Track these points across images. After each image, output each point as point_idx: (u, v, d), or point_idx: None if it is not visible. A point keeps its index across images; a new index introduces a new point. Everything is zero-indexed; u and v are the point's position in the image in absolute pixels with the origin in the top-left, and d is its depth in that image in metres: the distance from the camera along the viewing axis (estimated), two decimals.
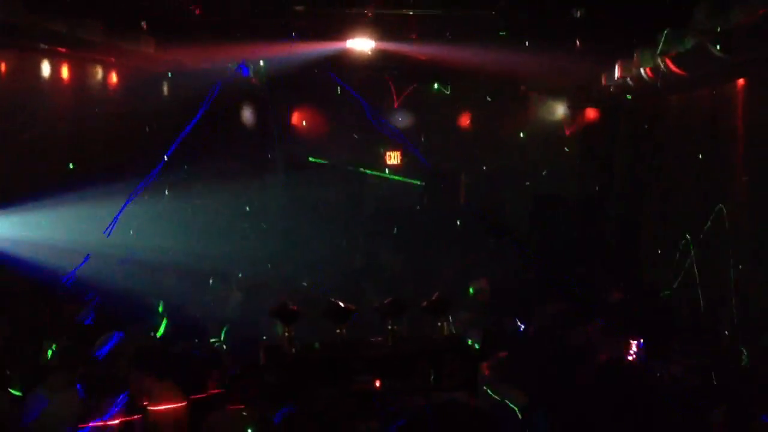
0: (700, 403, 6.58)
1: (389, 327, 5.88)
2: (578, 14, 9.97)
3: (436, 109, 15.52)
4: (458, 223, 14.97)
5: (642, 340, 8.56)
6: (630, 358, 8.46)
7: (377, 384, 5.62)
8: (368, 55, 12.99)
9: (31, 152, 10.09)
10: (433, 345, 5.97)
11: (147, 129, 12.49)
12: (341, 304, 5.89)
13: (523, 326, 9.18)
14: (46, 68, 10.50)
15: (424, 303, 6.41)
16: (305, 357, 5.79)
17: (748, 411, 6.39)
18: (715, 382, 7.26)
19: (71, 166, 11.02)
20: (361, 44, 12.46)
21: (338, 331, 5.75)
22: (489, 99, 15.22)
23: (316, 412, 5.50)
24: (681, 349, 7.85)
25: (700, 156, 9.90)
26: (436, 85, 15.38)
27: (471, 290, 10.49)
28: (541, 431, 6.60)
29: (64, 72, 10.89)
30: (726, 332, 8.91)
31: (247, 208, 15.03)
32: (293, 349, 5.68)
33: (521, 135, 15.60)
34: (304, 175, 15.43)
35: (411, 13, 10.85)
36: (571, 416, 6.77)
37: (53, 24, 9.81)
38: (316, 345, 6.19)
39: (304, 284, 11.41)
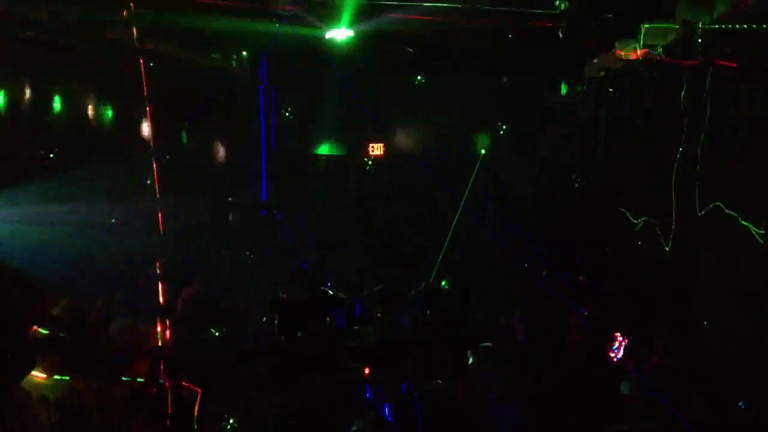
0: (680, 390, 6.68)
1: (378, 315, 5.91)
2: (561, 6, 10.02)
3: (419, 99, 15.53)
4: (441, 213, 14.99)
5: (623, 331, 8.64)
6: (612, 348, 8.54)
7: (366, 372, 5.65)
8: (352, 45, 12.96)
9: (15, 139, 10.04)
10: (422, 333, 5.99)
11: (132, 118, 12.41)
12: (330, 292, 5.91)
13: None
14: None
15: (412, 291, 6.46)
16: (294, 346, 5.80)
17: (727, 397, 6.51)
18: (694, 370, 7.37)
19: (51, 155, 10.94)
20: (344, 33, 12.41)
21: (327, 319, 5.76)
22: (471, 89, 15.23)
23: (305, 400, 5.53)
24: (663, 337, 7.95)
25: (680, 148, 9.99)
26: (419, 77, 15.39)
27: None
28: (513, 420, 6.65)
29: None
30: (705, 321, 9.00)
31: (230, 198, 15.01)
32: (282, 338, 5.69)
33: (503, 126, 15.70)
34: (290, 164, 15.47)
35: (395, 3, 10.84)
36: (548, 405, 6.84)
37: (35, 12, 9.77)
38: (300, 333, 6.20)
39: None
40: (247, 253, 12.64)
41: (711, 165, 9.06)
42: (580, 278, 10.71)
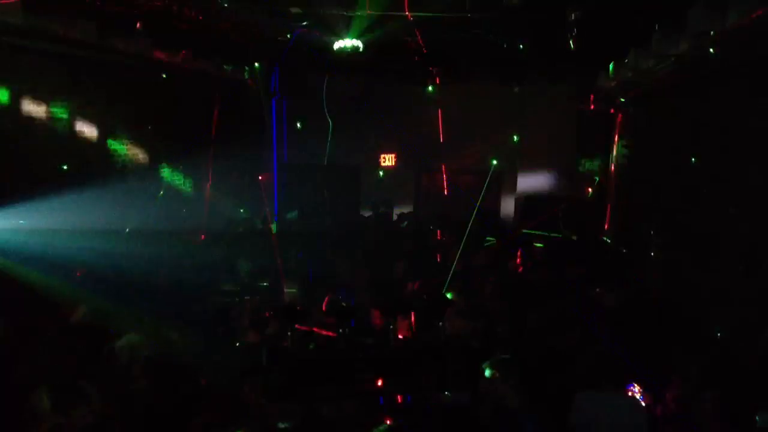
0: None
1: (391, 327, 5.91)
2: (573, 16, 10.02)
3: (429, 109, 15.57)
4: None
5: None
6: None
7: (380, 384, 5.65)
8: (362, 56, 13.00)
9: (26, 151, 10.10)
10: (435, 344, 5.99)
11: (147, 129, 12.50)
12: (344, 304, 5.93)
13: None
14: None
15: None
16: (308, 357, 5.81)
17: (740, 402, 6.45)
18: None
19: (65, 167, 11.01)
20: (353, 44, 12.44)
21: (341, 330, 5.77)
22: (483, 99, 15.28)
23: (319, 413, 5.52)
24: (678, 352, 7.87)
25: (694, 159, 9.95)
26: (430, 88, 15.43)
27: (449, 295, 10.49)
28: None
29: None
30: (719, 330, 8.93)
31: (242, 210, 15.08)
32: (297, 350, 5.70)
33: (515, 136, 15.72)
34: (299, 175, 15.57)
35: (406, 14, 10.86)
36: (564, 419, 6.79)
37: (50, 24, 9.84)
38: (311, 346, 6.21)
39: None
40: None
41: (725, 175, 9.03)
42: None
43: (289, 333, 5.69)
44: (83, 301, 8.82)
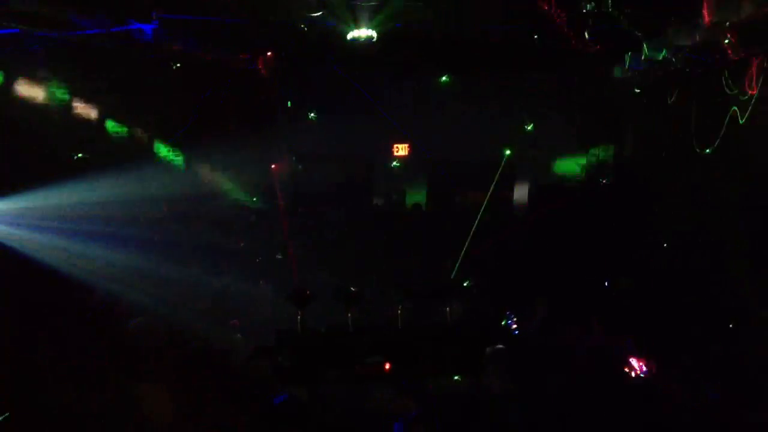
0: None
1: (398, 311, 5.94)
2: (588, 7, 9.99)
3: (443, 99, 15.55)
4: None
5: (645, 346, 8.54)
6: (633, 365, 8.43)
7: (387, 366, 5.69)
8: (375, 45, 12.99)
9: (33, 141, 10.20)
10: (439, 329, 6.03)
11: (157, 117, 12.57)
12: (352, 288, 5.96)
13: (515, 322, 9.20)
14: None
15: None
16: (316, 340, 5.85)
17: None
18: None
19: (79, 155, 11.10)
20: (367, 34, 12.44)
21: (348, 314, 5.81)
22: (496, 88, 15.25)
23: (325, 394, 5.58)
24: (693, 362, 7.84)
25: (708, 150, 9.94)
26: (444, 78, 15.42)
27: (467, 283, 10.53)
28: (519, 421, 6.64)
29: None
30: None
31: (254, 198, 15.15)
32: (304, 332, 5.73)
33: (529, 125, 15.71)
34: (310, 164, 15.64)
35: (419, 3, 10.86)
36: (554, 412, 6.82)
37: (59, 13, 9.92)
38: (323, 330, 6.23)
39: None
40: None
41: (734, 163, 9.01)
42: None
43: (298, 316, 5.73)
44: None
